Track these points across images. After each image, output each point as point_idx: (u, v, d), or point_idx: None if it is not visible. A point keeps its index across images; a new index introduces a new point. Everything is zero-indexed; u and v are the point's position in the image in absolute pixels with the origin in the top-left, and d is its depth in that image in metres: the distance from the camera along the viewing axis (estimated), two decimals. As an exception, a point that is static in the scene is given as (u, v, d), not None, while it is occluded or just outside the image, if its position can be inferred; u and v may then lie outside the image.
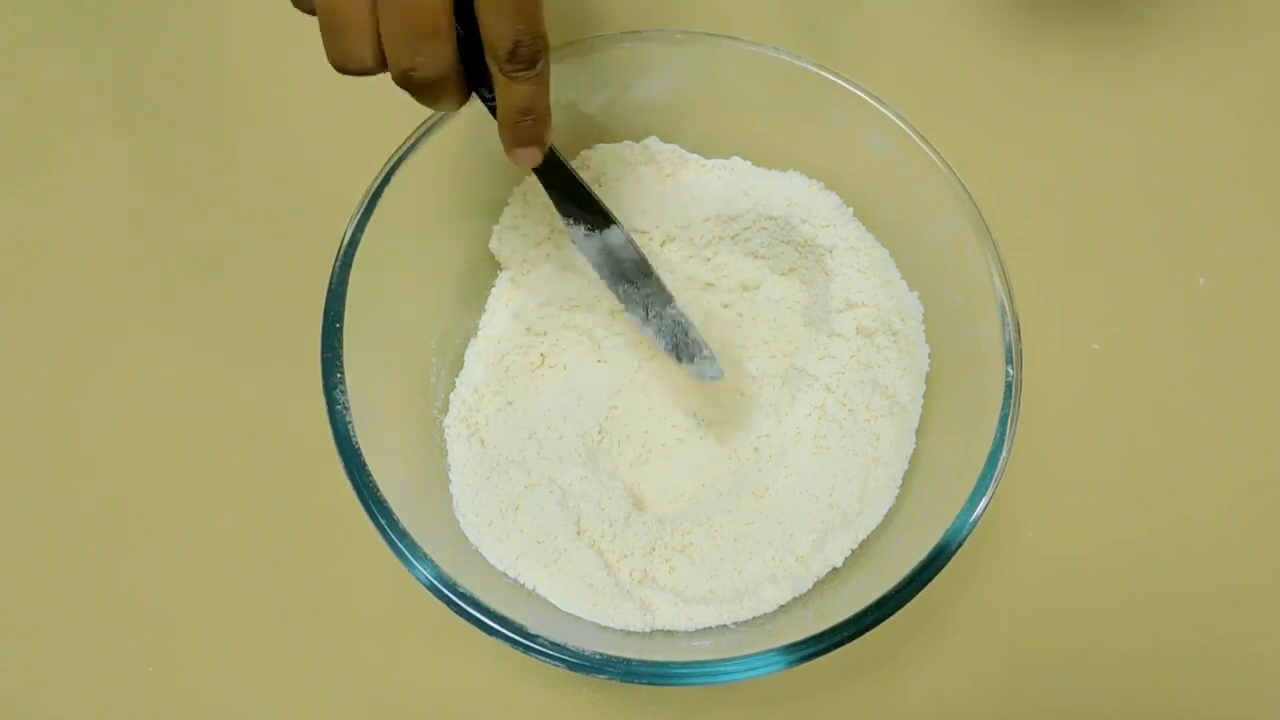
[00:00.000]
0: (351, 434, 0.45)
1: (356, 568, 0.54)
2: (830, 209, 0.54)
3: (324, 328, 0.46)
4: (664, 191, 0.54)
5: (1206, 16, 0.65)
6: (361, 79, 0.41)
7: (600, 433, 0.54)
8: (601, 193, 0.54)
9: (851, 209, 0.54)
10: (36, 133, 0.65)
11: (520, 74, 0.41)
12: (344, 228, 0.48)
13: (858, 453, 0.52)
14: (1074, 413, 0.57)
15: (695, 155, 0.55)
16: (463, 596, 0.43)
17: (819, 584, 0.50)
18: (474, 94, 0.43)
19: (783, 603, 0.49)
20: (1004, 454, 0.45)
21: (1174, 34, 0.65)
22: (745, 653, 0.43)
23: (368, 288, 0.48)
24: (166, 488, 0.56)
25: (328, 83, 0.65)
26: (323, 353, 0.46)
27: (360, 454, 0.44)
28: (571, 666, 0.42)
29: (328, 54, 0.40)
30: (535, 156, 0.44)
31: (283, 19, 0.67)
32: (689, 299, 0.56)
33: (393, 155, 0.49)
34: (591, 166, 0.54)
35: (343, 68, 0.40)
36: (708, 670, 0.42)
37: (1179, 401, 0.58)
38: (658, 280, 0.51)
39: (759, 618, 0.48)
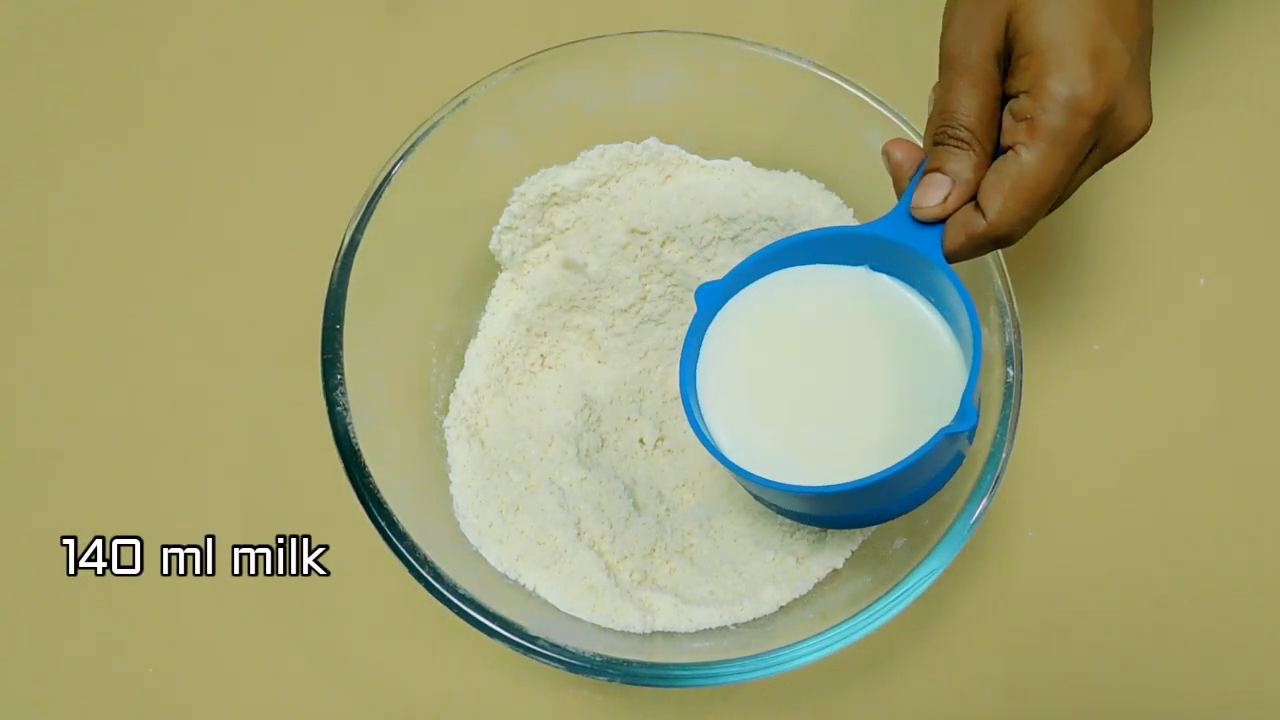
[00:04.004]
0: (351, 434, 0.45)
1: (356, 568, 0.54)
2: (831, 210, 0.54)
3: (324, 328, 0.46)
4: (664, 192, 0.54)
5: (1206, 17, 0.65)
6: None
7: (600, 433, 0.54)
8: (601, 193, 0.54)
9: (852, 210, 0.54)
10: (36, 133, 0.65)
11: None
12: (344, 228, 0.48)
13: (858, 453, 0.52)
14: (1074, 413, 0.57)
15: (695, 156, 0.55)
16: (463, 598, 0.43)
17: (819, 585, 0.50)
18: None
19: (783, 604, 0.49)
20: (1004, 454, 0.45)
21: (1174, 34, 0.65)
22: (745, 654, 0.43)
23: (368, 288, 0.48)
24: (166, 487, 0.56)
25: (328, 83, 0.66)
26: (323, 353, 0.46)
27: (360, 454, 0.44)
28: (571, 668, 0.42)
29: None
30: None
31: (283, 19, 0.68)
32: (689, 300, 0.56)
33: (393, 155, 0.49)
34: (591, 166, 0.54)
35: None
36: (708, 672, 0.42)
37: (1179, 402, 0.58)
38: None
39: (759, 619, 0.48)
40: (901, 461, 0.40)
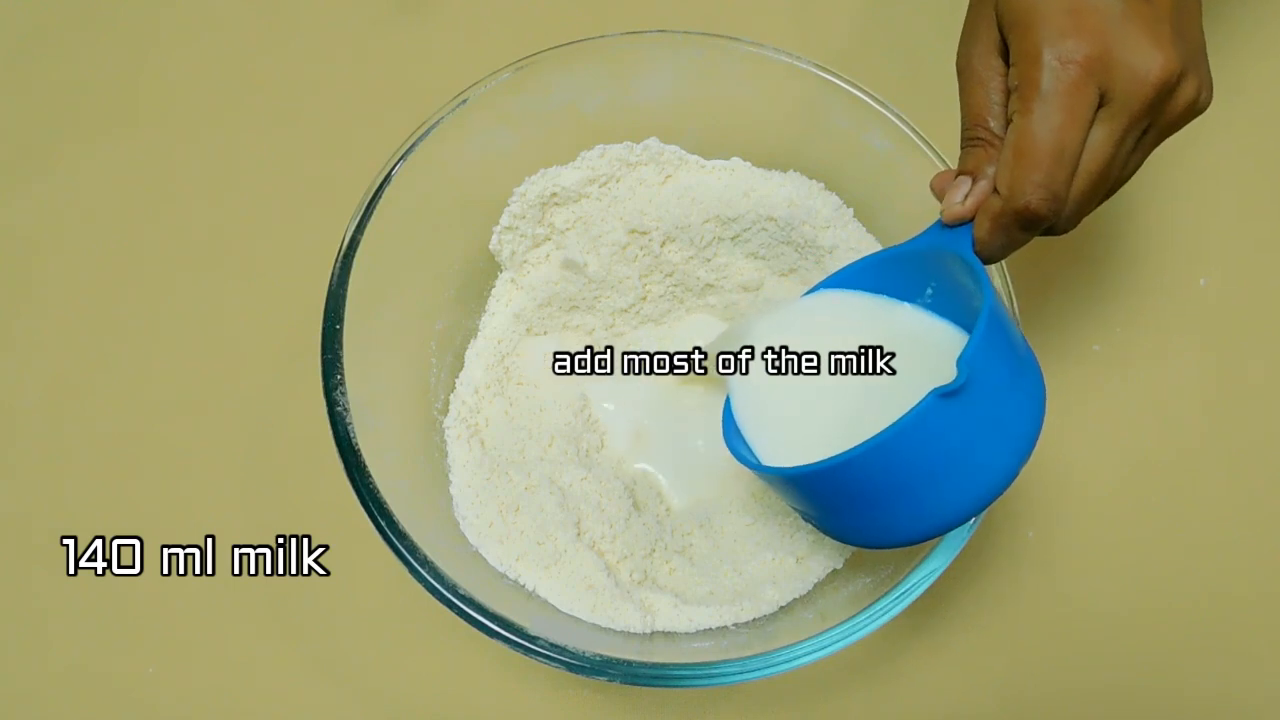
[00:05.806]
0: (351, 435, 0.45)
1: (357, 569, 0.53)
2: (831, 210, 0.54)
3: (324, 328, 0.46)
4: (664, 192, 0.54)
5: (1207, 16, 0.65)
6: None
7: (600, 433, 0.54)
8: (601, 193, 0.54)
9: (852, 210, 0.54)
10: (36, 133, 0.65)
11: None
12: (344, 228, 0.48)
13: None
14: (1074, 413, 0.57)
15: (695, 156, 0.55)
16: (463, 598, 0.43)
17: (819, 585, 0.50)
18: None
19: (783, 604, 0.49)
20: (1004, 454, 0.45)
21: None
22: (745, 654, 0.43)
23: (368, 288, 0.48)
24: (166, 487, 0.56)
25: (329, 82, 0.66)
26: (323, 354, 0.46)
27: (360, 454, 0.44)
28: (572, 668, 0.42)
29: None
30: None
31: (281, 19, 0.68)
32: (689, 300, 0.57)
33: (393, 155, 0.49)
34: (592, 166, 0.54)
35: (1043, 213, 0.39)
36: (708, 672, 0.42)
37: (1179, 402, 0.58)
38: None
39: (759, 619, 0.48)
40: (895, 423, 0.37)
